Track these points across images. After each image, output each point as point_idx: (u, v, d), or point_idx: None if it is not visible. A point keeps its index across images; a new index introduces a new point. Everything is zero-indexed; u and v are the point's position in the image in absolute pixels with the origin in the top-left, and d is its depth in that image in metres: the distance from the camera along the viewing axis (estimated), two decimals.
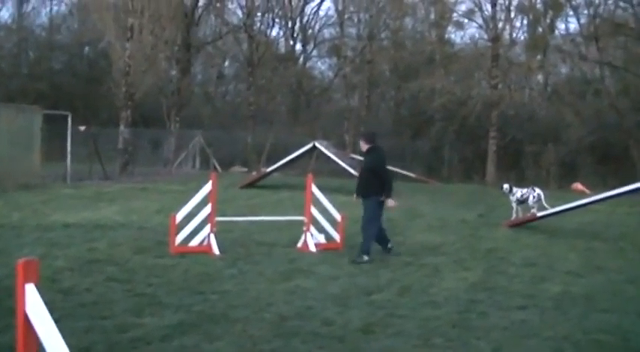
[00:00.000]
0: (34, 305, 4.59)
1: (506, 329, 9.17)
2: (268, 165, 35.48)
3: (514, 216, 20.33)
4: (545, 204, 19.90)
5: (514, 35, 49.69)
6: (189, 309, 9.59)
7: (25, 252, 12.75)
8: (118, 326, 8.59)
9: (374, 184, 13.97)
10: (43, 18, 61.45)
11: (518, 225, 19.65)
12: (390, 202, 14.10)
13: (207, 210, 14.35)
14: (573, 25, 68.07)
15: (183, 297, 10.29)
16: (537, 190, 20.48)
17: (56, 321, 8.31)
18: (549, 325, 9.40)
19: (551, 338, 8.77)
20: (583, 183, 35.93)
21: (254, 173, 37.03)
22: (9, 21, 60.23)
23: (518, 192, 20.58)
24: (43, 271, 11.39)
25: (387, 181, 14.08)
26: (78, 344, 7.73)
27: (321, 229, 15.30)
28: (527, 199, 20.30)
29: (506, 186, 20.95)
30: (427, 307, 10.24)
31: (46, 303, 9.11)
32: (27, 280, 4.65)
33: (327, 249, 14.77)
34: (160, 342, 8.05)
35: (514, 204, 20.63)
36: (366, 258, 13.60)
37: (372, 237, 14.14)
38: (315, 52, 62.52)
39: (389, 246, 14.78)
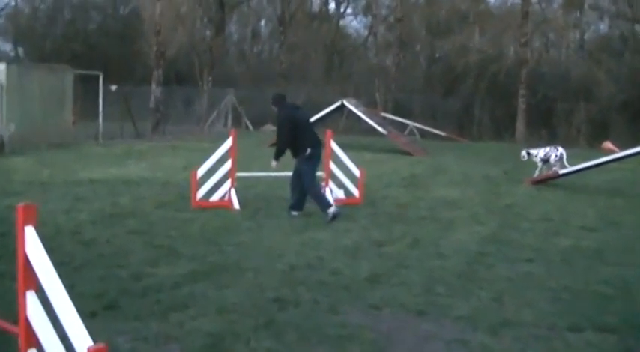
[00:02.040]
0: (34, 245, 4.89)
1: (510, 280, 9.40)
2: None
3: (536, 173, 20.41)
4: (566, 164, 20.00)
5: None
6: (203, 259, 9.93)
7: (49, 207, 13.14)
8: (133, 275, 8.94)
9: (294, 143, 13.61)
10: None
11: (541, 182, 19.75)
12: (273, 163, 13.87)
13: (227, 165, 14.67)
14: None
15: (198, 248, 10.63)
16: (560, 149, 20.57)
17: (75, 270, 8.80)
18: (553, 277, 9.62)
19: (552, 288, 8.99)
20: (613, 142, 35.82)
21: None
22: None
23: (541, 151, 20.79)
24: (66, 224, 11.89)
25: (279, 142, 13.87)
26: (92, 290, 8.10)
27: (340, 185, 15.53)
28: (549, 158, 20.48)
29: (523, 153, 21.15)
30: (435, 258, 10.49)
31: (68, 253, 9.58)
32: (27, 223, 4.95)
33: (346, 204, 14.99)
34: (170, 290, 8.38)
35: (539, 164, 20.78)
36: (332, 210, 13.23)
37: (318, 190, 13.91)
38: (349, 10, 62.56)
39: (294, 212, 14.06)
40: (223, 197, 14.55)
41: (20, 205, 4.97)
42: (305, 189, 13.68)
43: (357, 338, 7.03)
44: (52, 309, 4.72)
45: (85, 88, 33.82)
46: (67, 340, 4.61)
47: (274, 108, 14.09)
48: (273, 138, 32.60)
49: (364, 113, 31.97)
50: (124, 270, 9.17)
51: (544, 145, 21.53)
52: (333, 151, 15.29)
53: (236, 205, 14.30)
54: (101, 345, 4.31)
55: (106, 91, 32.89)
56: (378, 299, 8.29)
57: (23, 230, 4.93)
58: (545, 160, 20.53)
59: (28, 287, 4.92)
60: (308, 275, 9.24)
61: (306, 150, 13.50)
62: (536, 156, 20.67)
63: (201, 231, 12.00)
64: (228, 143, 14.64)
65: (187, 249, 10.60)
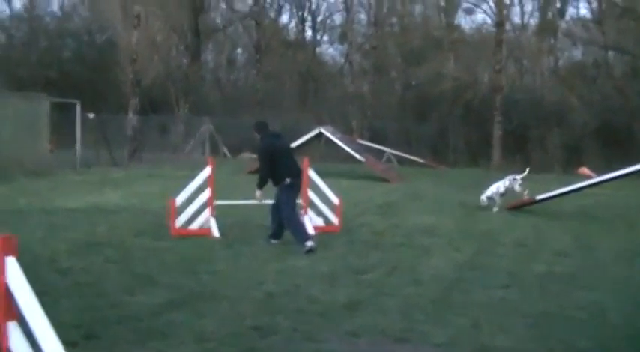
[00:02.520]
0: (15, 276, 4.93)
1: (486, 305, 9.48)
2: None
3: (495, 210, 19.80)
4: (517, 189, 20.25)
5: (524, 20, 50.06)
6: (181, 288, 9.94)
7: (25, 236, 13.13)
8: (111, 304, 8.95)
9: (274, 172, 13.49)
10: (54, 6, 61.94)
11: (517, 208, 19.89)
12: (257, 193, 13.79)
13: (206, 193, 14.71)
14: (584, 11, 68.03)
15: (176, 277, 10.66)
16: (516, 176, 20.58)
17: (53, 300, 8.79)
18: (528, 302, 9.70)
19: (528, 314, 9.07)
20: (589, 168, 36.10)
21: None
22: (21, 9, 60.75)
23: (502, 187, 20.09)
24: (42, 252, 11.89)
25: (262, 172, 13.75)
26: (71, 320, 8.09)
27: (319, 212, 15.59)
28: (512, 189, 20.17)
29: (483, 198, 20.06)
30: (412, 285, 10.55)
31: (45, 283, 9.56)
32: (7, 253, 4.98)
33: (325, 232, 15.05)
34: (148, 318, 8.39)
35: (497, 199, 20.02)
36: (309, 244, 13.00)
37: (296, 221, 13.71)
38: (325, 38, 62.85)
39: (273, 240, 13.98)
40: (202, 225, 14.57)
41: (0, 236, 5.00)
42: (282, 219, 13.60)
43: None
44: (33, 339, 4.75)
45: (62, 116, 33.89)
46: None
47: (256, 136, 13.98)
48: (252, 166, 32.88)
49: (341, 140, 32.14)
50: (102, 299, 9.18)
51: (519, 171, 21.47)
52: (310, 179, 15.37)
53: (216, 233, 14.32)
54: None
55: (83, 119, 32.89)
56: (357, 326, 8.32)
57: (4, 261, 4.96)
58: (503, 194, 20.13)
59: (9, 318, 4.95)
60: (286, 303, 9.27)
61: (285, 180, 13.43)
62: (497, 194, 20.05)
63: (179, 259, 12.03)
64: (206, 171, 14.69)
65: (165, 277, 10.62)
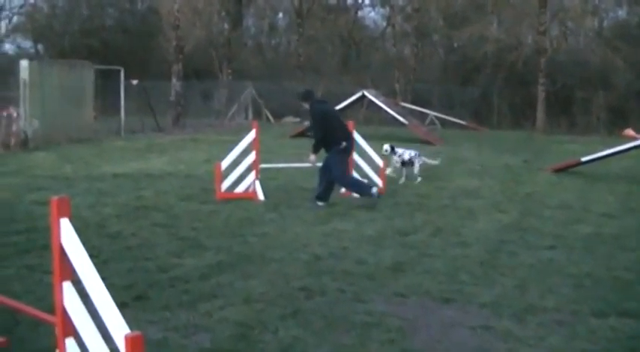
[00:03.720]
0: (69, 237, 5.01)
1: (532, 266, 9.49)
2: None
3: (389, 171, 17.37)
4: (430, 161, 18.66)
5: None
6: (228, 251, 10.06)
7: (75, 201, 13.28)
8: (160, 267, 9.08)
9: (328, 137, 13.85)
10: None
11: (562, 169, 19.79)
12: (312, 157, 14.10)
13: (251, 157, 14.81)
14: None
15: (223, 240, 10.77)
16: (422, 156, 18.38)
17: (103, 263, 8.94)
18: (575, 263, 9.70)
19: (574, 275, 9.07)
20: (634, 129, 35.74)
21: (305, 123, 37.42)
22: None
23: (406, 154, 17.90)
24: (92, 218, 12.04)
25: (317, 137, 14.03)
26: (121, 282, 8.23)
27: (364, 175, 15.61)
28: (413, 163, 17.84)
29: (386, 146, 17.99)
30: (458, 247, 10.59)
31: (95, 247, 9.73)
32: (61, 215, 5.07)
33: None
34: (197, 280, 8.51)
35: (397, 164, 17.90)
36: (374, 189, 13.92)
37: (352, 179, 14.52)
38: (367, 1, 62.51)
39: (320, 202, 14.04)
40: (248, 188, 14.68)
41: (54, 198, 5.08)
42: (336, 181, 13.97)
43: (382, 325, 7.13)
44: (87, 299, 4.84)
45: (105, 84, 34.10)
46: (103, 329, 4.73)
47: (304, 105, 14.20)
48: (296, 130, 33.01)
49: (384, 103, 32.09)
50: (151, 262, 9.32)
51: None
52: (355, 142, 15.39)
53: (261, 196, 14.44)
54: (137, 333, 4.43)
55: (126, 86, 33.09)
56: (403, 288, 8.39)
57: (58, 222, 5.05)
58: (408, 163, 17.85)
59: (64, 278, 5.04)
60: (332, 265, 9.35)
61: (340, 144, 13.81)
62: (400, 156, 17.87)
63: (225, 222, 12.15)
64: (251, 135, 14.79)
65: (212, 240, 10.75)
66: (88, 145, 25.77)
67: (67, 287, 5.03)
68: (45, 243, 9.76)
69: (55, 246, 5.06)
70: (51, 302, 5.22)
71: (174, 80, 40.20)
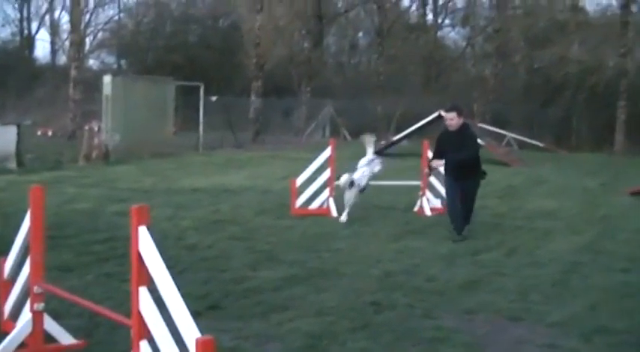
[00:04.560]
0: (146, 244, 5.22)
1: (605, 289, 9.44)
2: (397, 134, 35.94)
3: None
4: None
5: None
6: (302, 265, 10.23)
7: (154, 213, 13.56)
8: (234, 278, 9.27)
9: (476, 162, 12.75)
10: None
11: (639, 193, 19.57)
12: (437, 163, 13.14)
13: (326, 174, 14.99)
14: None
15: (297, 254, 10.95)
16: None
17: (179, 273, 9.16)
18: None
19: None
20: None
21: (382, 142, 37.49)
22: None
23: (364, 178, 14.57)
24: (170, 229, 12.31)
25: (471, 156, 12.68)
26: (196, 292, 8.43)
27: (437, 194, 15.69)
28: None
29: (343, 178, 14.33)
30: (530, 267, 10.59)
31: (172, 257, 9.96)
32: (140, 223, 5.28)
33: (443, 213, 15.14)
34: (270, 292, 8.68)
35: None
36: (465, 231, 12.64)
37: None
38: (447, 21, 62.50)
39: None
40: (322, 205, 14.85)
41: (134, 207, 5.31)
42: (470, 210, 12.87)
43: (450, 341, 7.20)
44: (162, 304, 5.04)
45: (186, 99, 34.68)
46: (176, 334, 4.92)
47: (457, 120, 12.69)
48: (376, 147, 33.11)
49: None
50: (226, 274, 9.52)
51: None
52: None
53: (334, 213, 14.58)
54: (208, 337, 4.59)
55: (206, 102, 33.58)
56: (473, 305, 8.44)
57: (137, 230, 5.26)
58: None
59: (140, 283, 5.25)
60: (404, 281, 9.45)
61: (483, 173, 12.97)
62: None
63: (300, 237, 12.33)
64: (327, 152, 14.98)
65: (287, 254, 10.93)
66: (167, 159, 26.22)
67: (143, 292, 5.23)
68: (124, 251, 10.00)
69: (133, 252, 5.27)
70: (128, 308, 5.42)
71: (253, 97, 40.70)
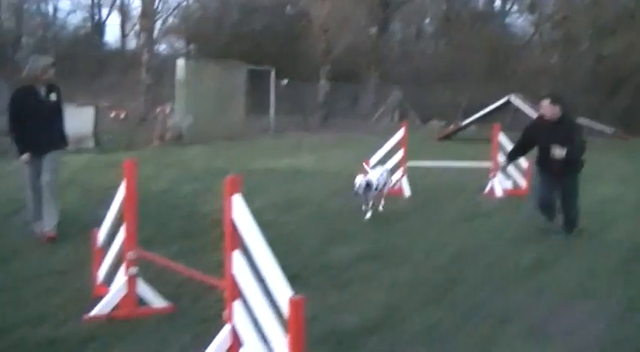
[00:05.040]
0: (240, 211, 5.60)
1: None
2: (465, 119, 36.05)
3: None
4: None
5: None
6: (376, 243, 10.59)
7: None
8: (311, 254, 9.66)
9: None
10: None
11: None
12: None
13: (398, 155, 15.27)
14: None
15: (370, 233, 11.31)
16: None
17: None
18: None
19: None
20: None
21: (451, 126, 37.61)
22: None
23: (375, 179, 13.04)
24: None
25: (578, 155, 11.63)
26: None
27: (508, 176, 15.89)
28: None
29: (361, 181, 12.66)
30: (598, 249, 10.70)
31: None
32: (233, 192, 5.67)
33: (514, 195, 15.35)
34: (346, 267, 9.04)
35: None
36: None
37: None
38: (514, 8, 62.08)
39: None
40: (394, 185, 15.09)
41: (228, 177, 5.70)
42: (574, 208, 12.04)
43: (521, 316, 7.42)
44: (254, 268, 5.42)
45: (255, 83, 35.06)
46: (268, 295, 5.28)
47: (552, 109, 11.59)
48: (442, 132, 33.32)
49: (531, 109, 32.04)
50: (303, 249, 9.90)
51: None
52: (500, 144, 15.66)
53: (407, 193, 14.86)
54: (300, 296, 4.94)
55: (276, 86, 33.97)
56: (542, 283, 8.67)
57: (230, 198, 5.64)
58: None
59: (233, 248, 5.62)
60: (475, 259, 9.73)
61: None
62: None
63: (373, 216, 12.59)
64: (399, 134, 15.26)
65: (360, 233, 11.32)
66: (238, 142, 26.64)
67: (236, 256, 5.60)
68: (204, 227, 10.52)
69: (226, 219, 5.65)
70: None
71: (322, 82, 41.00)
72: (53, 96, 10.98)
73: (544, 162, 11.70)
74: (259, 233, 5.47)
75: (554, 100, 11.67)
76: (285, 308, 4.96)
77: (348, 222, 12.12)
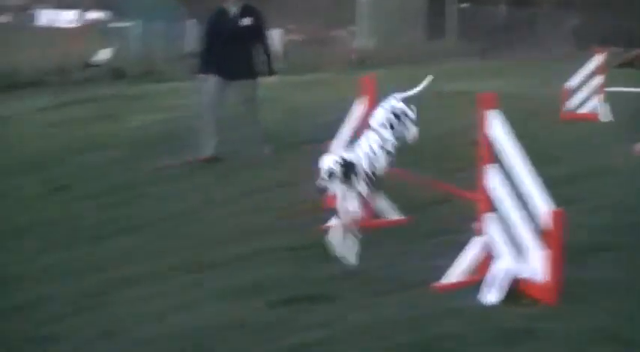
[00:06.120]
0: (495, 126, 5.86)
1: None
2: None
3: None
4: None
5: None
6: (581, 164, 10.90)
7: (425, 116, 14.11)
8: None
9: None
10: None
11: None
12: None
13: (597, 80, 15.13)
14: None
15: (574, 154, 11.72)
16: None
17: None
18: None
19: None
20: None
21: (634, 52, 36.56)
22: None
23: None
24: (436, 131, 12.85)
25: None
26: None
27: None
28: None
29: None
30: None
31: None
32: (488, 107, 5.93)
33: None
34: (561, 185, 9.10)
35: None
36: None
37: None
38: None
39: None
40: (592, 110, 15.04)
41: (482, 94, 5.97)
42: None
43: None
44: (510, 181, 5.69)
45: (433, 6, 34.96)
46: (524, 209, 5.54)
47: None
48: (626, 56, 32.41)
49: None
50: None
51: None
52: None
53: (604, 118, 14.78)
54: (560, 209, 5.20)
55: (452, 11, 33.77)
56: None
57: (485, 114, 5.92)
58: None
59: (489, 161, 5.90)
60: None
61: None
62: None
63: (575, 138, 12.91)
64: (598, 59, 15.13)
65: (565, 154, 11.62)
66: (420, 65, 26.64)
67: (492, 170, 5.88)
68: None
69: (481, 134, 5.94)
70: None
71: (503, 5, 40.66)
72: (247, 20, 11.12)
73: None
74: (516, 146, 5.70)
75: None
76: (545, 221, 5.19)
77: (550, 142, 12.30)
